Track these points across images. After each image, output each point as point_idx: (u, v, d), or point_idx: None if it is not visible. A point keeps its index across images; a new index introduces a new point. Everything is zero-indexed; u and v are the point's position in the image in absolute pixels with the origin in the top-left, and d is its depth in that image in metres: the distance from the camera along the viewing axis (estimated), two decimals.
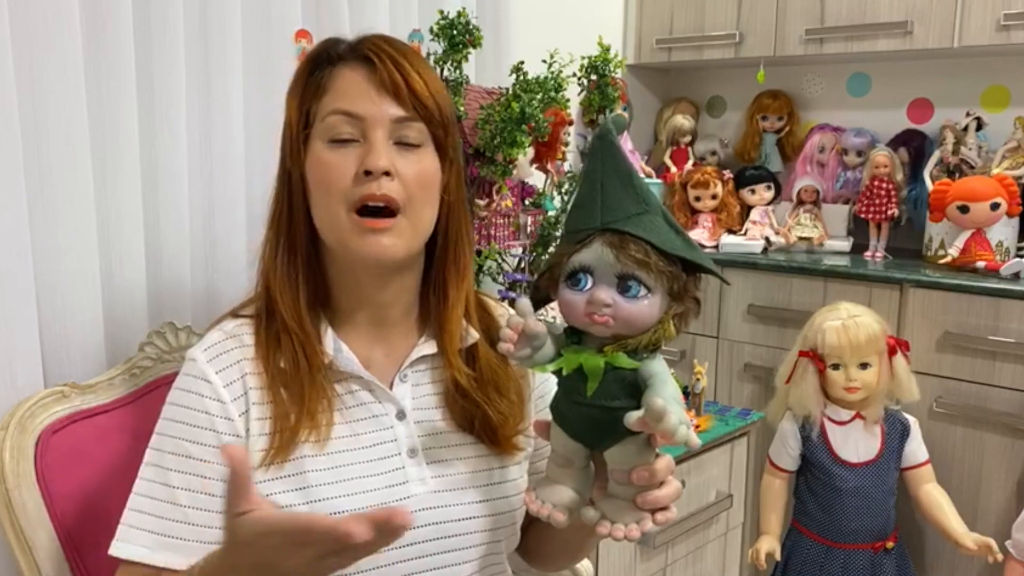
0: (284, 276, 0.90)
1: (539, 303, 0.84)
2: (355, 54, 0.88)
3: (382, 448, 0.90)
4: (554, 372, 0.80)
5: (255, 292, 0.94)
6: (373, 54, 0.87)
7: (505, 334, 0.79)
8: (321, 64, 0.89)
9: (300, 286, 0.90)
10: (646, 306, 0.76)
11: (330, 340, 0.91)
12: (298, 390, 0.87)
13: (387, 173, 0.85)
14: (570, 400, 0.79)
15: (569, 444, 0.81)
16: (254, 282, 0.95)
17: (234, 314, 0.94)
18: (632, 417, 0.73)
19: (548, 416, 1.02)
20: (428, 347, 0.94)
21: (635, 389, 0.76)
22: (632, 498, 0.79)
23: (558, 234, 1.69)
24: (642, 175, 0.78)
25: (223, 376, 0.88)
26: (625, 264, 0.75)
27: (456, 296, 0.94)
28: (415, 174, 0.87)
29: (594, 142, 0.81)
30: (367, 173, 0.84)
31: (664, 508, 0.79)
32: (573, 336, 0.80)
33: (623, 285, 0.75)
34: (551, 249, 1.69)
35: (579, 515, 0.81)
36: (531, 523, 1.04)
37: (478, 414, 0.92)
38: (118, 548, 0.85)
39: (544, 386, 1.02)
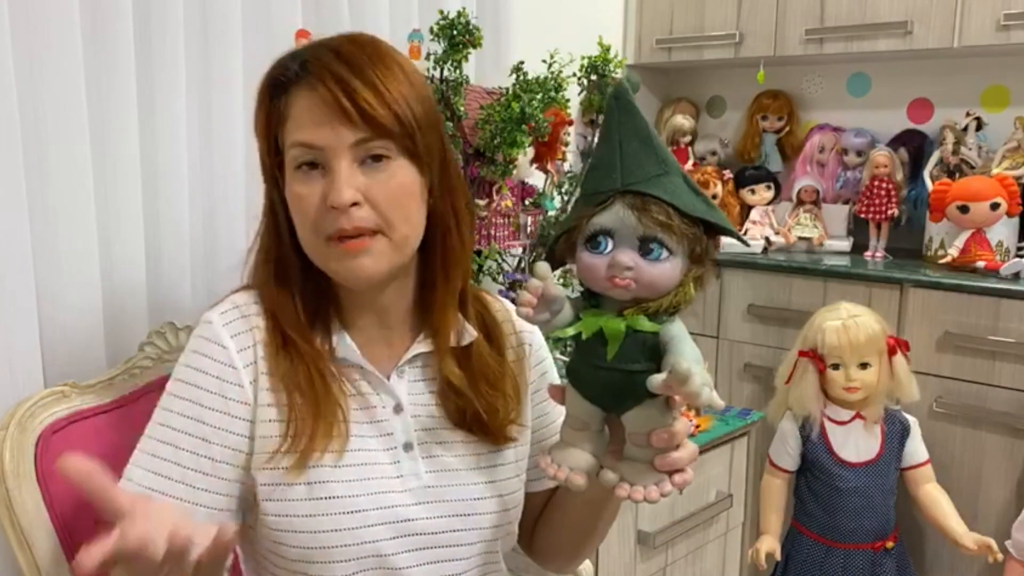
0: (283, 299, 0.91)
1: (554, 266, 0.83)
2: (302, 80, 0.85)
3: (379, 440, 0.91)
4: (573, 336, 0.79)
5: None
6: (318, 80, 0.83)
7: (524, 298, 0.78)
8: (276, 90, 0.87)
9: (298, 304, 0.91)
10: (668, 268, 0.75)
11: (336, 333, 0.91)
12: (313, 404, 0.87)
13: (355, 203, 0.83)
14: (589, 364, 0.78)
15: (586, 408, 0.80)
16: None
17: (248, 288, 0.95)
18: (656, 380, 0.72)
19: (543, 412, 1.02)
20: (425, 345, 0.94)
21: (655, 352, 0.76)
22: (650, 460, 0.79)
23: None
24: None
25: (237, 341, 0.89)
26: (647, 226, 0.74)
27: (445, 296, 0.93)
28: (387, 194, 0.85)
29: (610, 102, 0.79)
30: (331, 207, 0.84)
31: (681, 470, 0.79)
32: (591, 300, 0.79)
33: (645, 247, 0.74)
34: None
35: (597, 479, 0.80)
36: (540, 512, 1.04)
37: (469, 409, 0.93)
38: None
39: (541, 380, 1.02)
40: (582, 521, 1.00)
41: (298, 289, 0.91)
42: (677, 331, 0.76)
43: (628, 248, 0.75)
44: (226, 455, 0.87)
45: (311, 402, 0.87)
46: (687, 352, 0.74)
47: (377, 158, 0.85)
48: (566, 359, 1.55)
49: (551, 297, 0.77)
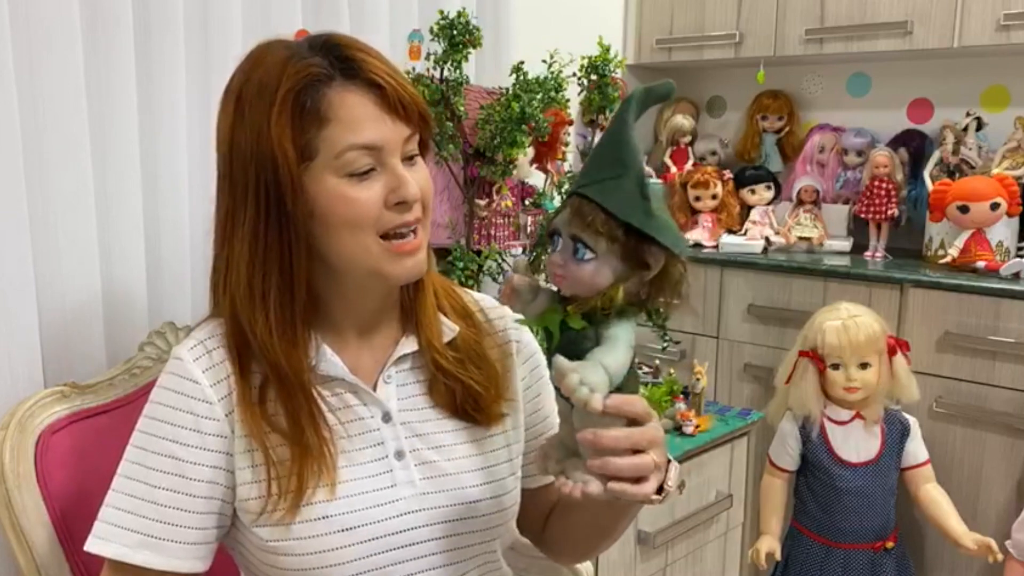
0: (283, 327, 0.85)
1: None
2: (352, 77, 0.83)
3: (370, 451, 0.90)
4: (530, 325, 0.84)
5: (218, 315, 0.90)
6: (375, 76, 0.83)
7: (502, 288, 0.83)
8: (311, 90, 0.82)
9: (297, 329, 0.86)
10: (590, 269, 0.77)
11: (313, 345, 0.89)
12: (300, 450, 0.85)
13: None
14: (548, 356, 0.82)
15: (559, 399, 0.83)
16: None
17: (218, 315, 0.92)
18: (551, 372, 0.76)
19: (536, 408, 1.03)
20: (409, 345, 0.94)
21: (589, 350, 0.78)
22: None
23: None
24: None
25: (210, 375, 0.87)
26: (574, 227, 0.77)
27: (427, 291, 0.95)
28: (425, 187, 0.88)
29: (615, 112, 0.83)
30: (399, 203, 0.84)
31: (638, 479, 0.76)
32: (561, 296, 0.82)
33: (573, 247, 0.77)
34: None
35: (551, 467, 0.83)
36: (551, 508, 1.03)
37: (459, 389, 0.93)
38: (97, 545, 0.85)
39: (532, 375, 1.02)
40: (602, 521, 0.97)
41: (300, 316, 0.87)
42: (615, 333, 0.77)
43: (564, 247, 0.78)
44: (205, 490, 0.86)
45: (294, 442, 0.85)
46: (606, 355, 0.75)
47: (412, 157, 0.88)
48: None
49: (518, 288, 0.82)
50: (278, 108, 0.81)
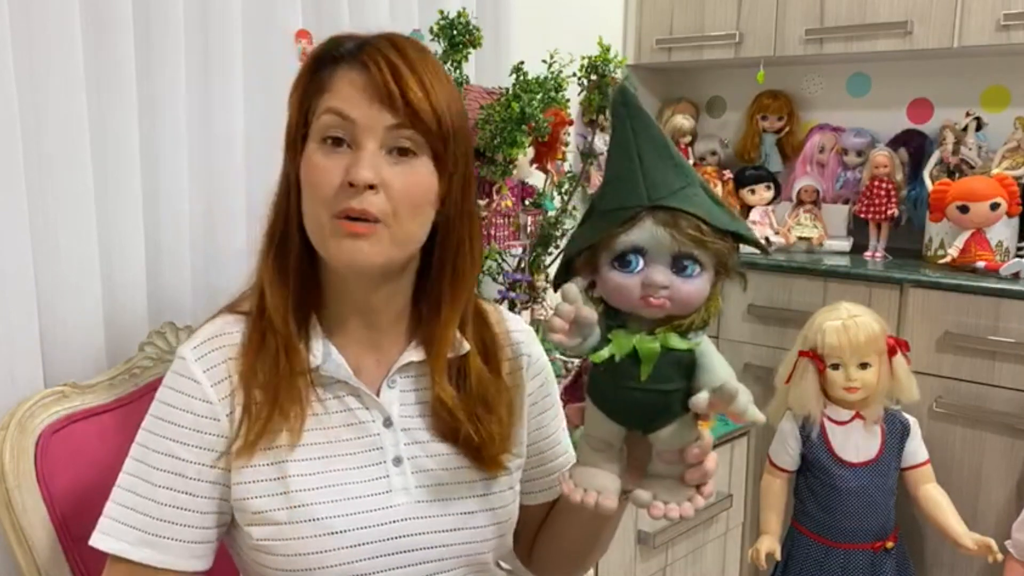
0: (275, 275, 0.89)
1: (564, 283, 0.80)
2: (355, 58, 0.86)
3: (367, 456, 0.89)
4: (606, 359, 0.75)
5: (251, 288, 0.93)
6: (371, 60, 0.84)
7: (556, 324, 0.73)
8: (324, 63, 0.87)
9: (290, 286, 0.89)
10: (701, 284, 0.74)
11: (320, 345, 0.89)
12: (272, 391, 0.86)
13: (371, 186, 0.82)
14: (620, 385, 0.75)
15: (611, 428, 0.78)
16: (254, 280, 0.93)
17: (230, 309, 0.93)
18: (701, 400, 0.71)
19: (541, 424, 1.01)
20: (416, 354, 0.92)
21: (689, 370, 0.74)
22: (678, 476, 0.78)
23: (558, 234, 1.69)
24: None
25: (211, 375, 0.87)
26: (682, 243, 0.72)
27: (450, 313, 0.91)
28: (404, 186, 0.84)
29: (618, 108, 0.76)
30: (351, 185, 0.82)
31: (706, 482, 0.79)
32: (615, 318, 0.76)
33: (678, 264, 0.73)
34: (556, 246, 1.69)
35: (626, 499, 0.79)
36: (539, 525, 1.03)
37: (462, 431, 0.90)
38: (101, 540, 0.85)
39: (539, 391, 1.01)
40: (588, 535, 0.98)
41: (293, 274, 0.89)
42: (707, 347, 0.75)
43: (661, 266, 0.72)
44: (204, 489, 0.86)
45: (271, 392, 0.86)
46: (722, 368, 0.73)
47: (404, 151, 0.84)
48: (565, 358, 1.55)
49: (585, 321, 0.73)
50: (298, 76, 0.89)
